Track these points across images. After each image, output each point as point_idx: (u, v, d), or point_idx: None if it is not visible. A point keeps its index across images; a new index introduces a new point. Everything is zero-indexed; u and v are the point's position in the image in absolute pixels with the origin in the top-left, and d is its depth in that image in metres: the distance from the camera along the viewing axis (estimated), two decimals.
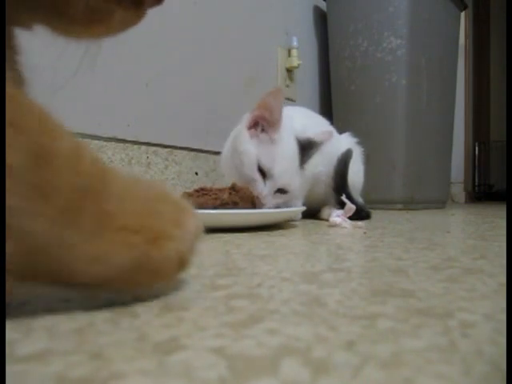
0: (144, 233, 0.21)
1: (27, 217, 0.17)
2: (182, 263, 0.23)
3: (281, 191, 0.73)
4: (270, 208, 0.70)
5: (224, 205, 0.60)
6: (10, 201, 0.16)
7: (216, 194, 0.62)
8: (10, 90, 0.16)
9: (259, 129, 0.72)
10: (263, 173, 0.71)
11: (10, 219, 0.16)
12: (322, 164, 0.84)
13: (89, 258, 0.19)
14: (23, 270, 0.18)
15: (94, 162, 0.20)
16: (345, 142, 0.93)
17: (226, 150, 0.79)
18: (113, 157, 0.91)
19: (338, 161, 0.83)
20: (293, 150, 0.74)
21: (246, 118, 0.74)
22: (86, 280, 0.20)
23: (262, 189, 0.70)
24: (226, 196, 0.61)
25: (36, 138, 0.16)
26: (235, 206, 0.61)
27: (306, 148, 0.75)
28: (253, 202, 0.64)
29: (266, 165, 0.70)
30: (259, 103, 0.73)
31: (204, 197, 0.62)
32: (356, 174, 0.91)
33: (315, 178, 0.84)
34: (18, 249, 0.17)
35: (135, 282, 0.22)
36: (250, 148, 0.71)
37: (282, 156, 0.71)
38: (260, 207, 0.67)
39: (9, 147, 0.15)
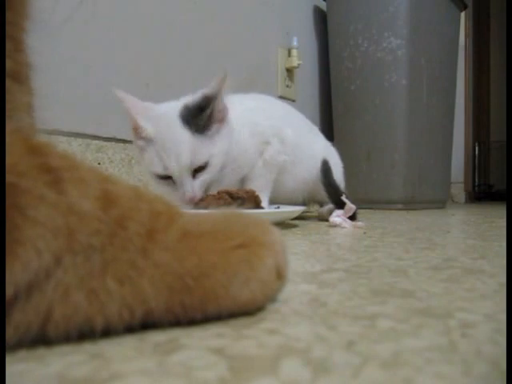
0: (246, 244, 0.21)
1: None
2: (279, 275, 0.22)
3: (198, 170, 0.64)
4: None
5: (227, 205, 0.60)
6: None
7: (220, 194, 0.62)
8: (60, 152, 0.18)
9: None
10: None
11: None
12: (284, 152, 0.79)
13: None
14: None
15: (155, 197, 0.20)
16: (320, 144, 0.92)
17: None
18: (113, 157, 0.91)
19: (322, 174, 0.79)
20: (171, 120, 0.65)
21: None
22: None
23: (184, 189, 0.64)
24: (227, 196, 0.61)
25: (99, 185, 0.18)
26: (239, 205, 0.61)
27: (199, 109, 0.66)
28: (256, 202, 0.64)
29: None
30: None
31: (207, 197, 0.62)
32: (337, 178, 0.89)
33: (280, 167, 0.79)
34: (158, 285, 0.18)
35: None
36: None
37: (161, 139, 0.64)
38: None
39: (80, 197, 0.17)
